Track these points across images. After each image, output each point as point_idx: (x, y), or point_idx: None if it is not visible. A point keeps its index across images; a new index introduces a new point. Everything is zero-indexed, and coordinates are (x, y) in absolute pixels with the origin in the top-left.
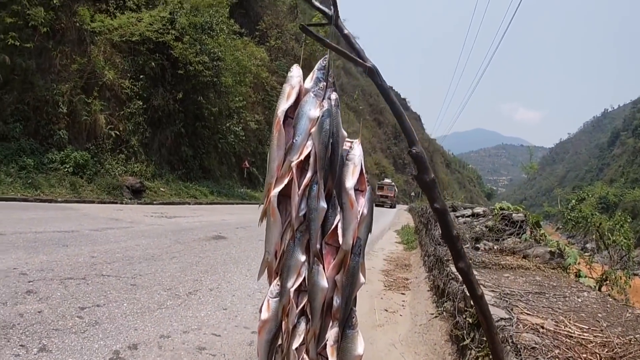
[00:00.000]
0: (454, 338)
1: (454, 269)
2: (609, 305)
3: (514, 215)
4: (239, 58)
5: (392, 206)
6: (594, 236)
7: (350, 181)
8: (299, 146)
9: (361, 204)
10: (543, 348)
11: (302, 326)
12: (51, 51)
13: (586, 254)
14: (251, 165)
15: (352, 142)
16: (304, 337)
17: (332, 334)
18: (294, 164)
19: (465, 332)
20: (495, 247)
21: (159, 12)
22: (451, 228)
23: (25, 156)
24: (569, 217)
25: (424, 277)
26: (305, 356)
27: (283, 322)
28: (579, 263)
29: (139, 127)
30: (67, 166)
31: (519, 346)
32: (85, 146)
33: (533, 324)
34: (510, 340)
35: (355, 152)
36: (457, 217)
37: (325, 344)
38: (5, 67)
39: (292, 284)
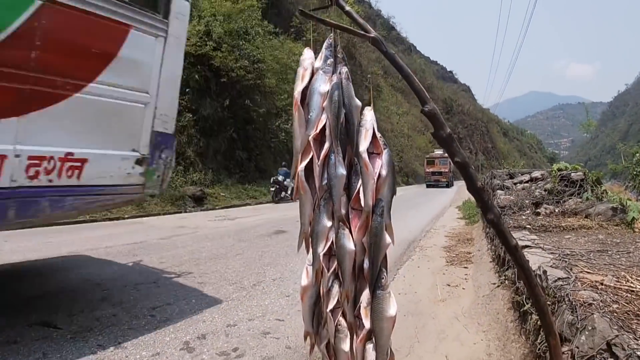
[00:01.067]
0: (515, 305)
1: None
2: None
3: (572, 174)
4: (279, 57)
5: (449, 184)
6: None
7: (363, 145)
8: (314, 121)
9: (378, 166)
10: (600, 303)
11: (335, 289)
12: None
13: None
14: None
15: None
16: (337, 299)
17: (364, 296)
18: (311, 137)
19: (524, 297)
20: (556, 210)
21: (194, 26)
22: (475, 180)
23: None
24: (635, 171)
25: (486, 249)
26: (341, 318)
27: (319, 286)
28: None
29: (192, 139)
30: None
31: (574, 303)
32: None
33: (592, 281)
34: (566, 299)
35: (367, 117)
36: (515, 183)
37: (360, 307)
38: None
39: (322, 248)
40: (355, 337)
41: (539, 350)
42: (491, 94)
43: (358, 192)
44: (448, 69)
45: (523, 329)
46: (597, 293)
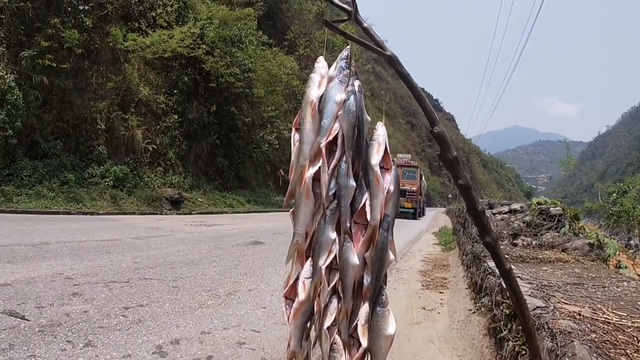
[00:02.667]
0: (491, 331)
1: (491, 264)
2: None
3: (551, 209)
4: (269, 68)
5: (417, 213)
6: (637, 231)
7: (375, 158)
8: (327, 128)
9: (387, 181)
10: (579, 332)
11: (334, 305)
12: (87, 71)
13: (630, 250)
14: (286, 174)
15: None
16: (335, 316)
17: (362, 313)
18: (322, 145)
19: (502, 323)
20: (533, 243)
21: (189, 28)
22: (476, 204)
23: (67, 172)
24: (610, 211)
25: (462, 275)
26: (337, 337)
27: (315, 302)
28: (619, 254)
29: (175, 141)
30: (108, 180)
31: (554, 331)
32: (124, 160)
33: (570, 312)
34: (546, 327)
35: (379, 132)
36: (494, 214)
37: (357, 325)
38: (43, 87)
39: (324, 261)
40: (349, 357)
41: None
42: (474, 125)
43: (363, 206)
44: (434, 97)
45: (499, 355)
46: (575, 323)
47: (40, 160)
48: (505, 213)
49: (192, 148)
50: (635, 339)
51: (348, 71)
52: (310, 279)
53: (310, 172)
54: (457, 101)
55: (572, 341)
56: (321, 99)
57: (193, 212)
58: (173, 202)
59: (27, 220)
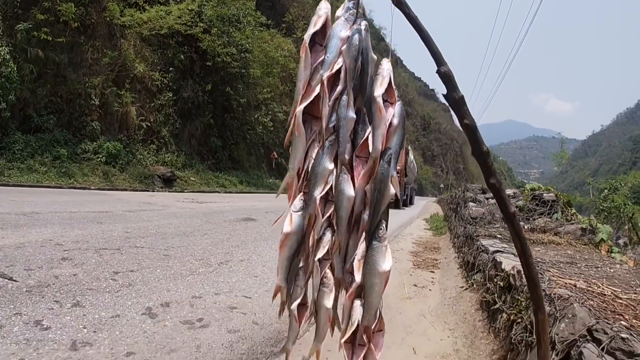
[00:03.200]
0: (484, 305)
1: (484, 242)
2: None
3: (544, 195)
4: (266, 49)
5: (401, 202)
6: (626, 227)
7: (378, 90)
8: (330, 62)
9: (390, 114)
10: (577, 299)
11: (327, 237)
12: (82, 46)
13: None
14: (280, 157)
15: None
16: (328, 249)
17: (359, 249)
18: (325, 77)
19: (496, 296)
20: (526, 227)
21: (186, 5)
22: (481, 144)
23: (59, 147)
24: (601, 207)
25: (453, 257)
26: (328, 271)
27: (309, 234)
28: (610, 239)
29: (169, 119)
30: (100, 156)
31: (552, 296)
32: (118, 137)
33: (565, 283)
34: (544, 292)
35: (384, 66)
36: (487, 198)
37: (353, 260)
38: (38, 61)
39: (320, 192)
40: (344, 293)
41: (514, 340)
42: None
43: (366, 140)
44: (430, 87)
45: (492, 327)
46: (572, 292)
47: (33, 134)
48: None
49: (186, 127)
50: (633, 308)
51: (354, 11)
52: (299, 212)
53: (301, 106)
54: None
55: (572, 304)
56: (316, 35)
57: (185, 191)
58: (165, 180)
59: (19, 193)
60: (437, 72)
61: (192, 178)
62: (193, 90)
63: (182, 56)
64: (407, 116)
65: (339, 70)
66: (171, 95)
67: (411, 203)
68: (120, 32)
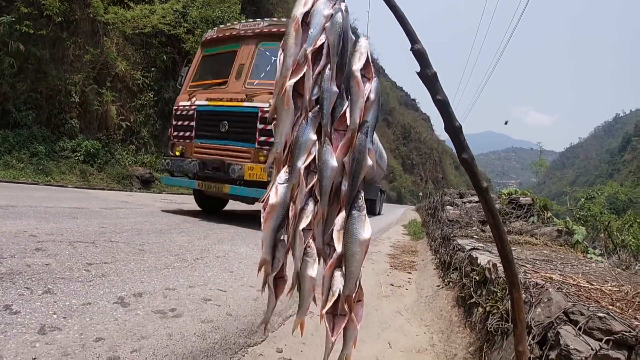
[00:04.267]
0: (460, 301)
1: (460, 242)
2: (617, 272)
3: (521, 198)
4: None
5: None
6: (602, 236)
7: (356, 65)
8: (314, 38)
9: (367, 88)
10: (553, 287)
11: (310, 207)
12: (65, 41)
13: None
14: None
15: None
16: (310, 220)
17: (339, 219)
18: (309, 51)
19: (472, 290)
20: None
21: (171, 5)
22: (453, 119)
23: (37, 143)
24: (577, 215)
25: (430, 259)
26: (311, 241)
27: (291, 204)
28: (585, 240)
29: (149, 119)
30: (78, 154)
31: (527, 284)
32: (96, 136)
33: (542, 276)
34: (520, 281)
35: (362, 43)
36: (464, 202)
37: (332, 231)
38: (19, 55)
39: (303, 162)
40: (324, 264)
41: (490, 329)
42: None
43: (344, 114)
44: (412, 97)
45: (468, 321)
46: (547, 283)
47: (10, 129)
48: (476, 202)
49: (166, 128)
50: (610, 297)
51: None
52: (285, 185)
53: (291, 81)
54: (434, 104)
55: (547, 289)
56: (307, 14)
57: (163, 192)
58: (143, 181)
59: None
60: (411, 49)
61: None
62: (175, 91)
63: (164, 56)
64: (387, 125)
65: (321, 46)
66: (152, 95)
67: (379, 213)
68: (104, 29)
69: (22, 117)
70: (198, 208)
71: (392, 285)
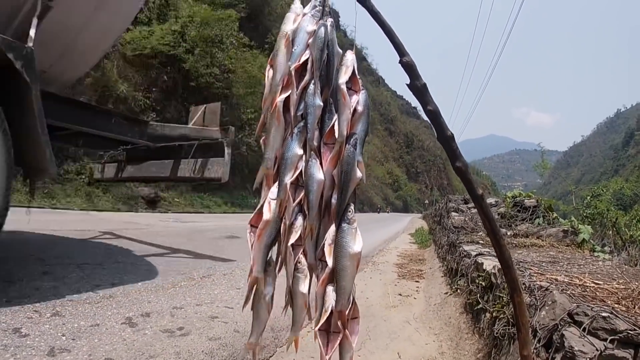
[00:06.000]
0: (468, 308)
1: (466, 248)
2: (624, 270)
3: (526, 201)
4: (249, 70)
5: None
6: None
7: (342, 78)
8: (298, 54)
9: (354, 101)
10: (558, 288)
11: (299, 221)
12: None
13: None
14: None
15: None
16: (300, 234)
17: (329, 233)
18: (292, 67)
19: (478, 296)
20: (508, 233)
21: (169, 25)
22: (445, 129)
23: None
24: (584, 214)
25: (438, 267)
26: (301, 256)
27: (281, 220)
28: (592, 240)
29: None
30: (83, 177)
31: (531, 287)
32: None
33: (547, 278)
34: (524, 285)
35: (348, 57)
36: (469, 207)
37: (323, 245)
38: None
39: (290, 177)
40: (316, 279)
41: (497, 334)
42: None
43: (332, 127)
44: (412, 105)
45: (476, 327)
46: (553, 285)
47: None
48: None
49: None
50: (616, 295)
51: (321, 8)
52: (276, 200)
53: (281, 97)
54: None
55: (552, 292)
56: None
57: (169, 212)
58: (149, 202)
59: None
60: (400, 62)
61: (176, 199)
62: (176, 110)
63: (165, 77)
64: (390, 135)
65: (306, 62)
66: (154, 115)
67: None
68: None
69: None
70: (203, 226)
71: (400, 295)
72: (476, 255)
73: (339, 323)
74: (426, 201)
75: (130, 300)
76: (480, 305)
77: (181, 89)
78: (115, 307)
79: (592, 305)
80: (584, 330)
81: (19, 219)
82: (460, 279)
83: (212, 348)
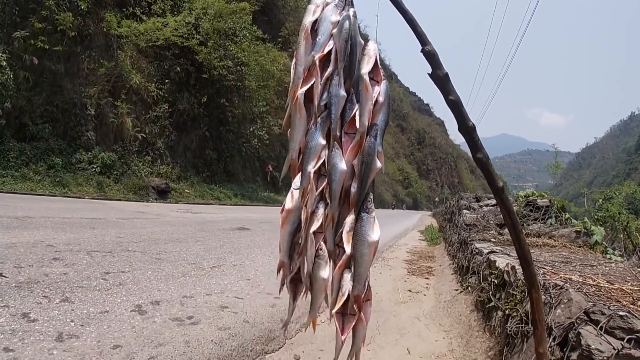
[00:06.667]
0: (479, 305)
1: (478, 246)
2: (638, 272)
3: (538, 200)
4: (262, 63)
5: None
6: (621, 236)
7: (365, 68)
8: (322, 44)
9: (376, 91)
10: (573, 287)
11: (321, 210)
12: (79, 55)
13: None
14: (274, 169)
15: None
16: (322, 222)
17: (348, 221)
18: (316, 57)
19: (490, 293)
20: None
21: (183, 17)
22: (467, 119)
23: (54, 156)
24: (596, 217)
25: (448, 264)
26: (322, 243)
27: (303, 208)
28: (604, 241)
29: (164, 130)
30: (95, 166)
31: (547, 285)
32: (112, 148)
33: (561, 277)
34: (539, 283)
35: (370, 47)
36: (481, 206)
37: (342, 232)
38: (34, 69)
39: (313, 166)
40: (333, 265)
41: (510, 332)
42: None
43: (354, 117)
44: (425, 102)
45: (487, 325)
46: (567, 284)
47: (27, 142)
48: (493, 205)
49: (181, 139)
50: (631, 297)
51: None
52: (299, 189)
53: (302, 89)
54: (447, 107)
55: (568, 290)
56: (316, 22)
57: (179, 202)
58: (160, 192)
59: (12, 199)
60: (422, 51)
61: (186, 190)
62: (189, 102)
63: (178, 68)
64: (402, 131)
65: (329, 52)
66: (167, 107)
67: None
68: (117, 42)
69: (39, 130)
70: (213, 217)
71: (410, 291)
72: (488, 253)
73: (355, 306)
74: (436, 199)
75: (140, 288)
76: (492, 303)
77: (194, 81)
78: (125, 295)
79: (609, 305)
80: (600, 329)
81: (31, 207)
82: (471, 277)
83: (221, 337)
